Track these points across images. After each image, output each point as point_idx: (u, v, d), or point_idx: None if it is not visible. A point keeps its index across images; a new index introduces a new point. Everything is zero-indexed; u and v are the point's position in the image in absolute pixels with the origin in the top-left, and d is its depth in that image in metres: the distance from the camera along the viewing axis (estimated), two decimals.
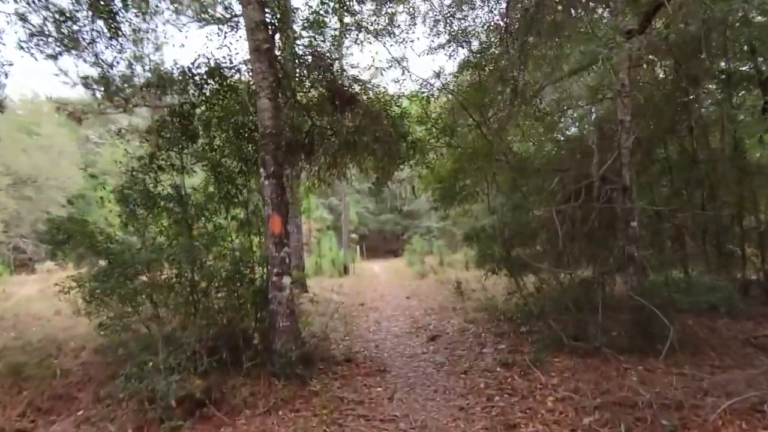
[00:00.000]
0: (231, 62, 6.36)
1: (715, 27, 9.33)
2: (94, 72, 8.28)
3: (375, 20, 7.40)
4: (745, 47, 10.09)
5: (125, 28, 7.58)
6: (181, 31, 8.00)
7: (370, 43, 7.91)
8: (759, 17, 9.87)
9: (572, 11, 7.09)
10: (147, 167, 6.06)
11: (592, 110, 10.31)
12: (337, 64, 6.44)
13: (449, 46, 7.89)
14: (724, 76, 10.48)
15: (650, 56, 9.43)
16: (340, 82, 6.27)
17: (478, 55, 7.75)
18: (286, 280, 5.58)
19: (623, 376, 5.78)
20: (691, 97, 9.71)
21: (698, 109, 10.28)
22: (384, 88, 7.18)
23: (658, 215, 7.71)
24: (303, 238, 17.87)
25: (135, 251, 5.44)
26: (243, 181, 7.13)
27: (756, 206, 10.15)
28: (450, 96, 8.25)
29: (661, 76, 10.11)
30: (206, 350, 5.51)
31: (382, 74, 7.83)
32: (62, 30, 7.82)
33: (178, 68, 6.15)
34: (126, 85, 6.79)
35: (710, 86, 10.96)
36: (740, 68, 10.64)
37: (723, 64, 10.47)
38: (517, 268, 8.00)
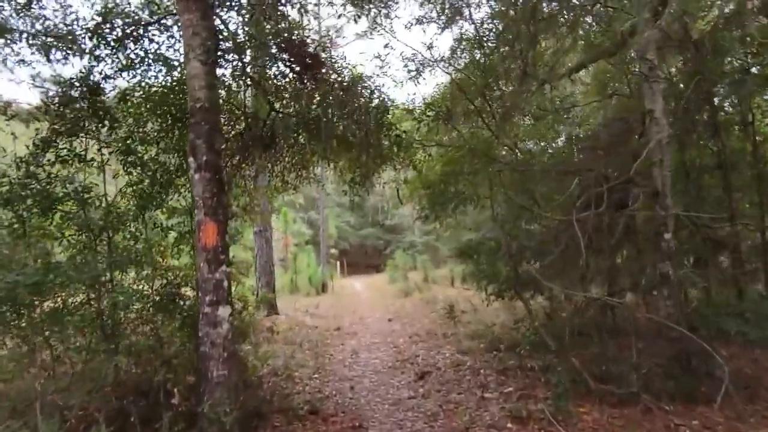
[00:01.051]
0: (158, 19, 4.85)
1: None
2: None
3: None
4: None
5: None
6: None
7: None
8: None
9: None
10: (39, 157, 4.49)
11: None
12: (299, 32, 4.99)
13: (443, 17, 6.47)
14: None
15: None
16: (298, 39, 4.80)
17: (480, 26, 6.34)
18: (224, 312, 4.04)
19: None
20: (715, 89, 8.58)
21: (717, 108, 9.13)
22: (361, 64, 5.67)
23: (696, 226, 6.36)
24: (274, 253, 16.27)
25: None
26: (184, 182, 5.64)
27: None
28: (445, 75, 6.80)
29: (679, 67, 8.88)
30: (110, 411, 3.94)
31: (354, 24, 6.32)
32: None
33: (82, 23, 4.62)
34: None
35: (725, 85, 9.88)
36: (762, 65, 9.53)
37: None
38: (524, 288, 6.58)
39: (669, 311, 5.82)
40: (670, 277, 5.89)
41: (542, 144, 8.02)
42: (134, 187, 4.92)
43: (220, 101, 5.85)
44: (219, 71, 5.51)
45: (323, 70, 4.83)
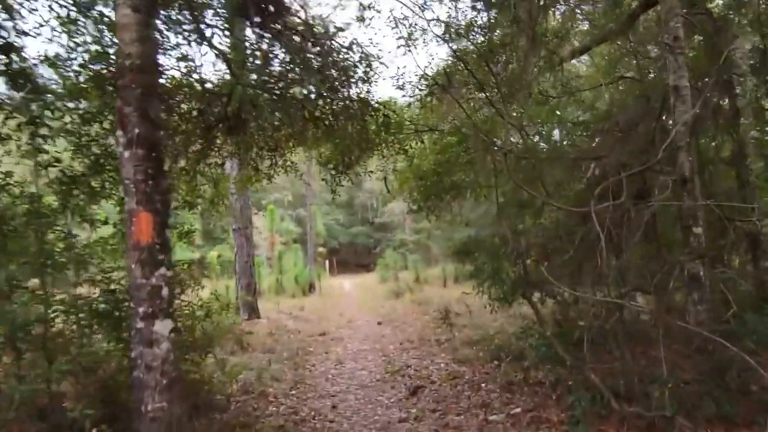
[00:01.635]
0: None
1: None
2: None
3: None
4: None
5: None
6: None
7: None
8: None
9: None
10: None
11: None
12: None
13: None
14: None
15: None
16: None
17: None
18: (162, 327, 3.16)
19: None
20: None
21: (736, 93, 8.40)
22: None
23: (728, 219, 5.57)
24: (258, 252, 15.35)
25: None
26: None
27: None
28: (442, 42, 5.90)
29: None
30: None
31: None
32: None
33: None
34: None
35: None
36: None
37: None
38: (532, 290, 5.77)
39: (700, 318, 5.05)
40: (701, 279, 5.12)
41: (550, 125, 7.19)
42: (47, 170, 4.01)
43: (179, 73, 4.98)
44: (174, 39, 4.66)
45: (289, 20, 3.92)
